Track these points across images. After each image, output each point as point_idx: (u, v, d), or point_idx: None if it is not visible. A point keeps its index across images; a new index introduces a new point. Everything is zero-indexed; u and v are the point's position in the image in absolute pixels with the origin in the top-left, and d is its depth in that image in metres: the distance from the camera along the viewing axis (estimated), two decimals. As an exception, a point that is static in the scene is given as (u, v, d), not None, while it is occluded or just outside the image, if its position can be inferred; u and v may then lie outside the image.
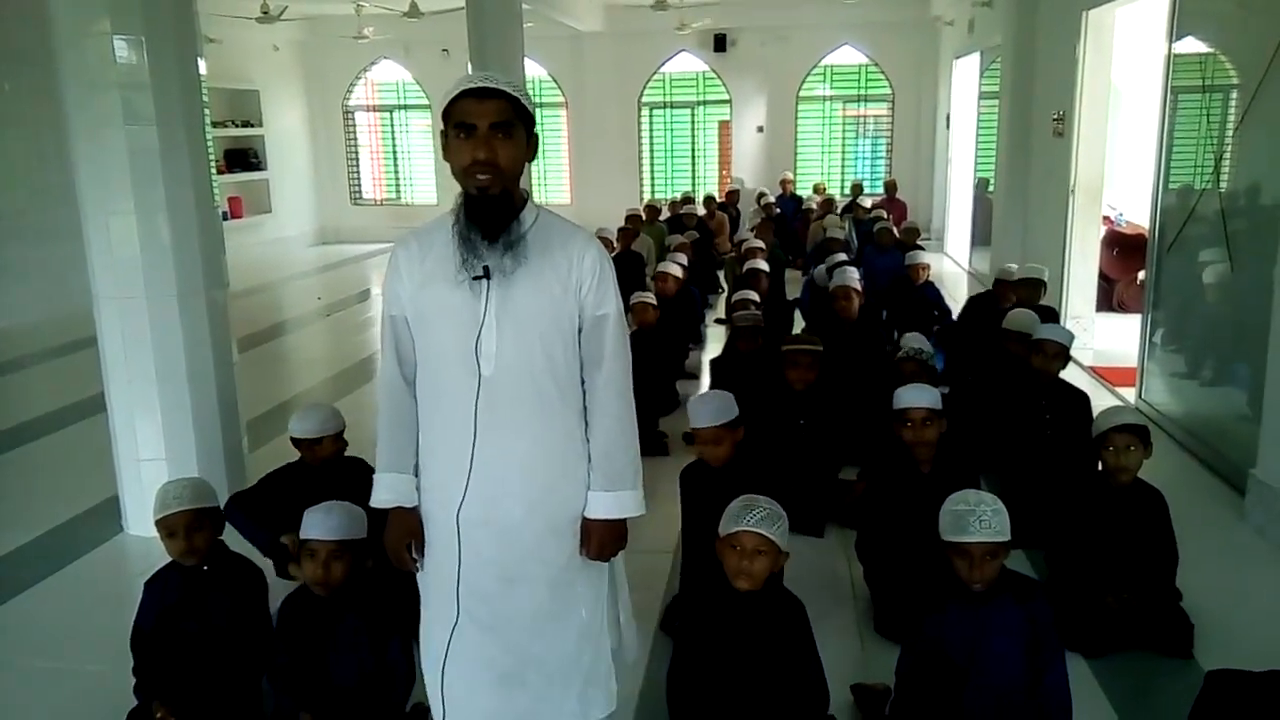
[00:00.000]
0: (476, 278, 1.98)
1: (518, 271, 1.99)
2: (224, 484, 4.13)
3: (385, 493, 2.16)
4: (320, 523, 2.56)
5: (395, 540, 2.15)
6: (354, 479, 3.34)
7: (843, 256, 7.26)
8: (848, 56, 14.44)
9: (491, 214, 1.95)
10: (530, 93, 2.04)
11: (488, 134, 1.91)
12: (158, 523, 2.72)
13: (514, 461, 2.06)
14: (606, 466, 2.12)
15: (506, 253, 1.98)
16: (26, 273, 9.12)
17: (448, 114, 1.94)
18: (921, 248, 7.92)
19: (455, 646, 2.12)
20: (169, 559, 2.79)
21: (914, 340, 4.64)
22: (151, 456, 4.17)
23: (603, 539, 2.14)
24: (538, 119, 2.05)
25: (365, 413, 6.03)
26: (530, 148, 2.01)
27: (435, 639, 2.18)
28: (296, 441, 3.48)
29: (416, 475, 2.16)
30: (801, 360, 4.32)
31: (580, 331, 2.09)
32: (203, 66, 4.24)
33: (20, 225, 9.13)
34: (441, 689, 2.15)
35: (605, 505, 2.12)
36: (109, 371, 4.19)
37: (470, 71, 8.17)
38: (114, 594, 3.58)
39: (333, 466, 3.47)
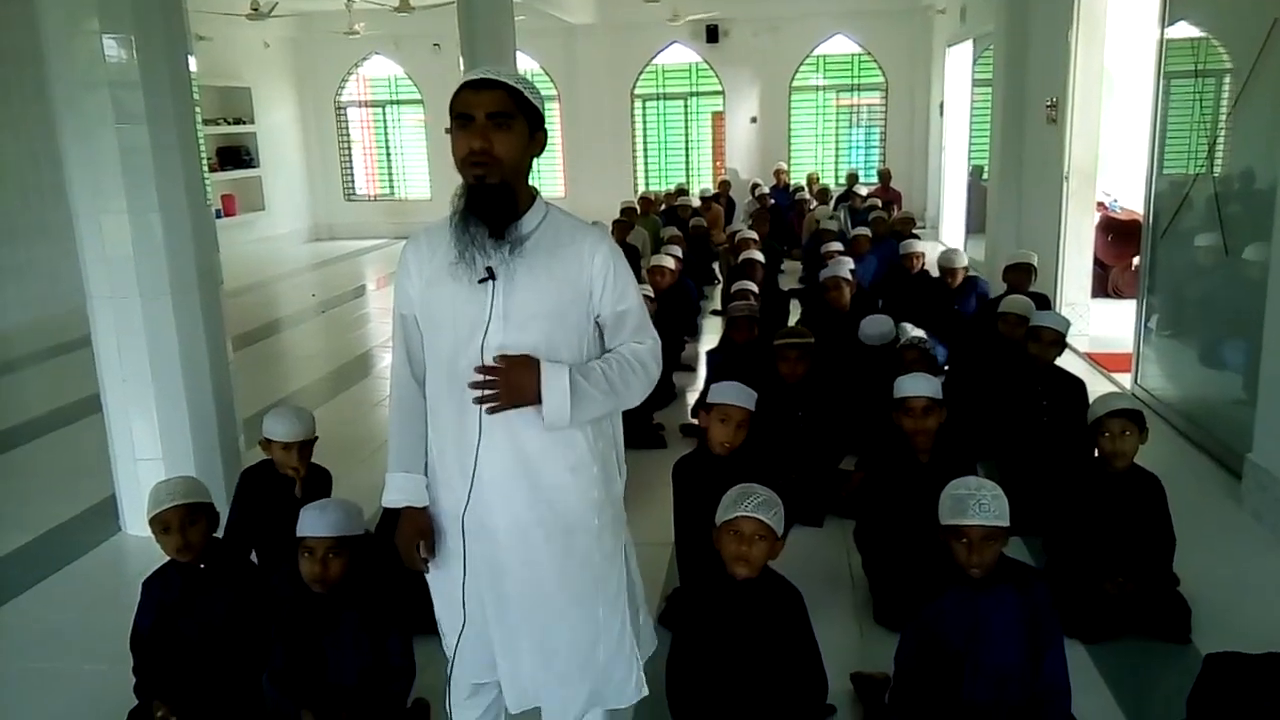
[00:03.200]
0: (482, 280, 1.96)
1: (525, 272, 1.96)
2: (221, 482, 4.12)
3: (395, 493, 2.14)
4: (315, 520, 2.55)
5: (406, 540, 2.13)
6: (322, 489, 3.34)
7: (838, 246, 7.25)
8: (840, 46, 14.41)
9: (490, 204, 1.92)
10: (524, 86, 2.01)
11: (484, 124, 1.89)
12: (152, 520, 2.71)
13: (520, 463, 2.03)
14: (585, 370, 2.00)
15: (512, 252, 1.95)
16: (20, 273, 9.10)
17: (451, 108, 1.94)
18: (917, 236, 7.92)
19: (463, 651, 2.12)
20: (166, 558, 2.79)
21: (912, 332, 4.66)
22: (148, 456, 4.16)
23: (510, 371, 1.95)
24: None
25: (360, 409, 6.06)
26: (536, 142, 1.99)
27: (447, 641, 2.18)
28: (269, 443, 3.31)
29: (427, 475, 2.15)
30: (789, 354, 4.33)
31: (601, 331, 2.08)
32: (193, 64, 4.22)
33: (13, 225, 9.10)
34: (448, 691, 2.14)
35: (552, 373, 1.96)
36: (104, 371, 4.18)
37: (461, 66, 8.19)
38: (113, 594, 3.58)
39: (306, 476, 3.36)
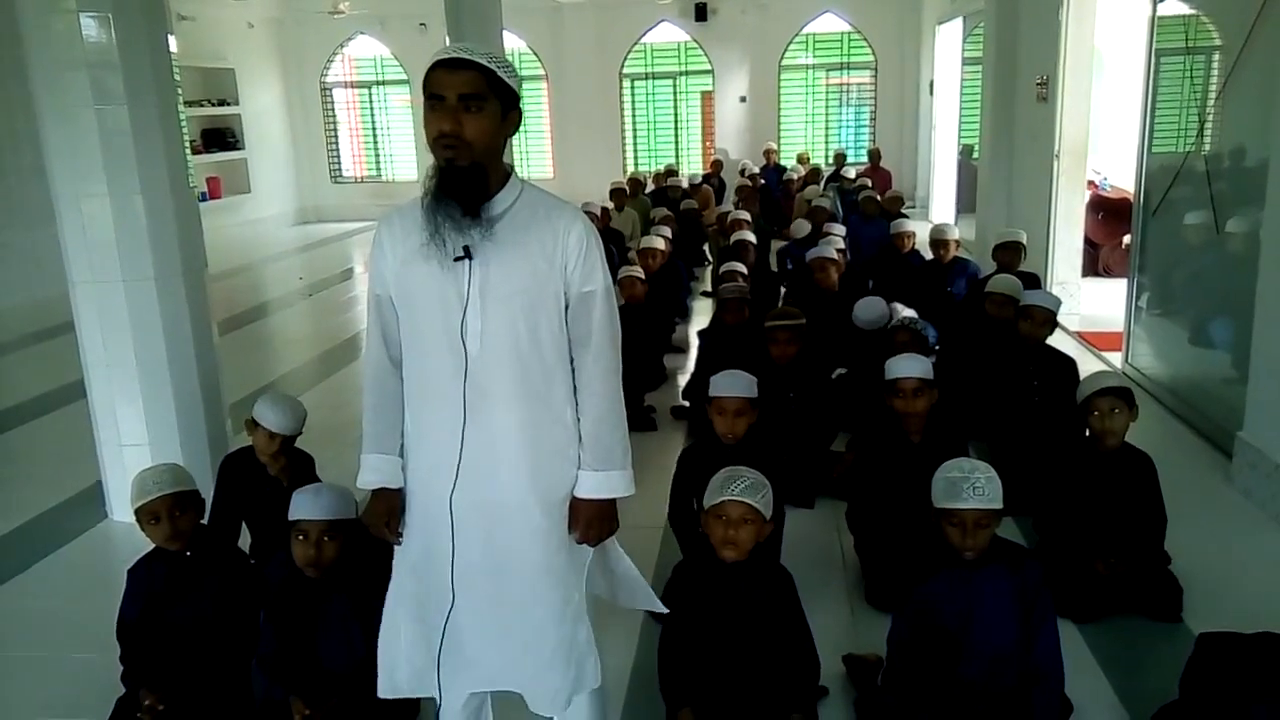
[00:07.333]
0: (458, 258, 1.94)
1: (500, 249, 1.95)
2: (208, 468, 4.07)
3: (371, 474, 2.13)
4: (309, 503, 2.53)
5: (375, 518, 2.13)
6: (306, 474, 3.31)
7: (840, 229, 7.22)
8: (830, 24, 14.32)
9: (460, 187, 1.91)
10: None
11: (455, 106, 1.87)
12: (139, 510, 2.68)
13: (504, 442, 2.02)
14: (595, 446, 2.09)
15: (487, 230, 1.94)
16: (4, 256, 8.99)
17: (424, 85, 1.91)
18: (907, 216, 7.89)
19: (451, 630, 2.10)
20: (152, 546, 2.75)
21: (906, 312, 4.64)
22: (134, 442, 4.12)
23: (589, 519, 2.10)
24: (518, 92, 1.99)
25: (349, 393, 6.01)
26: (509, 122, 1.97)
27: (423, 620, 2.15)
28: (255, 426, 3.25)
29: (402, 456, 2.13)
30: (780, 335, 4.31)
31: (567, 309, 2.05)
32: (173, 44, 4.15)
33: (-2, 208, 9.00)
34: (438, 671, 2.13)
35: (593, 485, 2.09)
36: (88, 357, 4.13)
37: (449, 45, 8.12)
38: (99, 581, 3.55)
39: (288, 463, 3.31)
